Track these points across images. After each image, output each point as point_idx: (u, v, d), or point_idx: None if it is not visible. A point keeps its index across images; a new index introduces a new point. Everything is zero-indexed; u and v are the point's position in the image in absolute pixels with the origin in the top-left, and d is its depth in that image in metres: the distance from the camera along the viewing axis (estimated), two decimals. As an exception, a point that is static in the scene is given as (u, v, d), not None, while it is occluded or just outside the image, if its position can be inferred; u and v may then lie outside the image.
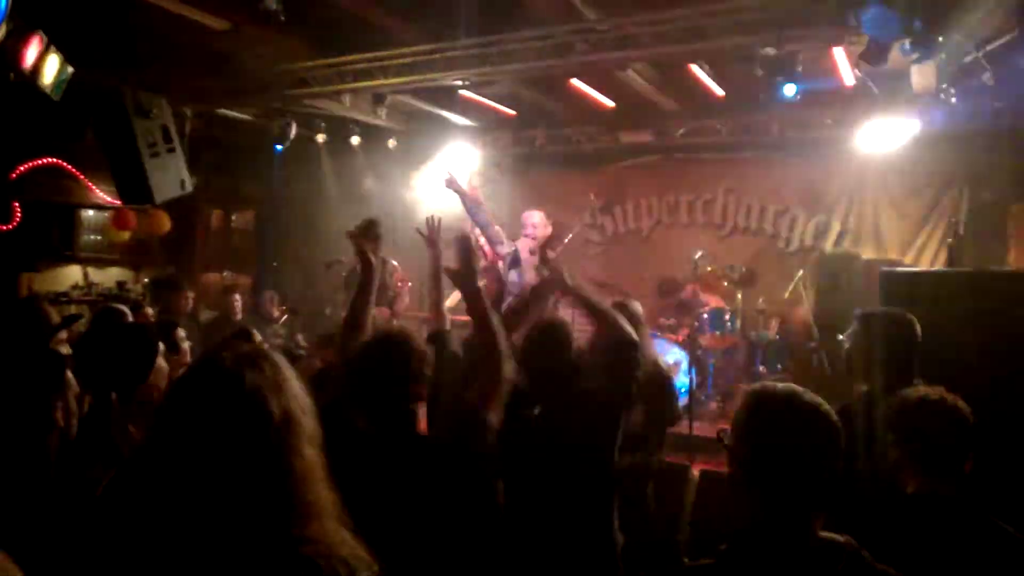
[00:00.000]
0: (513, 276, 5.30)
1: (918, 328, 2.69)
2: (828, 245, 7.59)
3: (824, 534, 1.55)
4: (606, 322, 2.72)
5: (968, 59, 4.38)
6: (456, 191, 5.44)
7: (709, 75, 6.13)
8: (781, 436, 1.51)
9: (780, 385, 1.61)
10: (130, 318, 3.81)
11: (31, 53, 4.25)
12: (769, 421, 1.54)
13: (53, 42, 4.45)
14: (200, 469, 1.13)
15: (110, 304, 4.47)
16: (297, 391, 1.24)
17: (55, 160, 7.31)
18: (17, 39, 4.10)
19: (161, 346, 2.48)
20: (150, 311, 6.61)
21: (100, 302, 8.04)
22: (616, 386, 2.65)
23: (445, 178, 5.48)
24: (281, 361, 1.27)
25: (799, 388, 1.61)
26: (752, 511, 1.55)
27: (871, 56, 4.16)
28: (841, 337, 2.84)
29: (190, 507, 1.12)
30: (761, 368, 6.71)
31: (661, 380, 3.55)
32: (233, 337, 3.28)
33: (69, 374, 1.74)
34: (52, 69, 4.54)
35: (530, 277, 5.10)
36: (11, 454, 1.62)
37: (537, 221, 5.34)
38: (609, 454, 2.64)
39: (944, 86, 4.71)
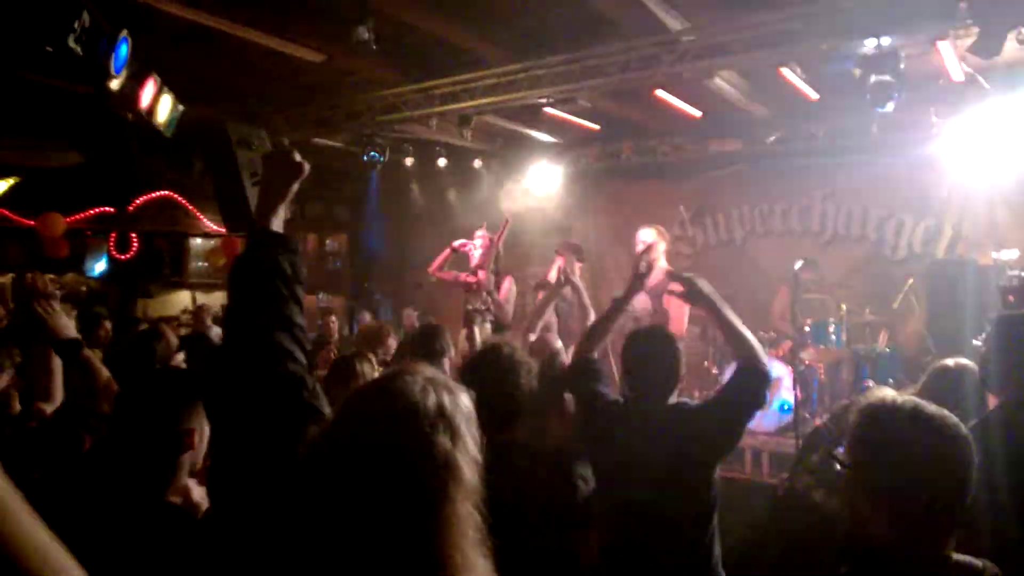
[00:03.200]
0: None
1: None
2: (940, 251, 7.15)
3: (959, 557, 1.44)
4: (741, 344, 2.51)
5: (1093, 45, 4.04)
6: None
7: (801, 78, 5.92)
8: (908, 452, 1.41)
9: (901, 398, 1.51)
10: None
11: (147, 95, 4.57)
12: (893, 436, 1.44)
13: (165, 82, 4.77)
14: (349, 495, 1.03)
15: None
16: (466, 431, 1.11)
17: (168, 192, 7.80)
18: (135, 83, 4.42)
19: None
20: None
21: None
22: (726, 411, 2.49)
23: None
24: (458, 390, 1.15)
25: (921, 400, 1.50)
26: (877, 532, 1.45)
27: (983, 48, 3.89)
28: (977, 342, 2.62)
29: (335, 541, 1.03)
30: (870, 383, 6.34)
31: None
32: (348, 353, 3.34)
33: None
34: (165, 108, 4.86)
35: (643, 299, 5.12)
36: (143, 473, 1.68)
37: (650, 239, 5.34)
38: (707, 477, 2.49)
39: (1066, 75, 4.37)
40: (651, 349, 2.58)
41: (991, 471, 1.94)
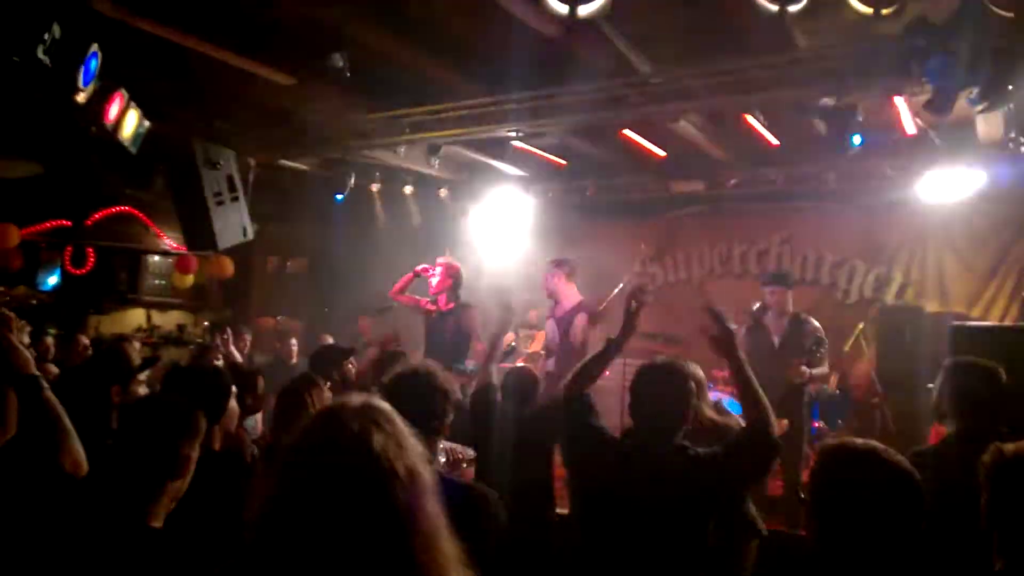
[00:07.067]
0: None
1: (1003, 377, 2.63)
2: (889, 297, 7.38)
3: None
4: (756, 406, 2.40)
5: (1037, 107, 4.27)
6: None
7: (763, 124, 6.10)
8: (862, 494, 1.45)
9: (860, 441, 1.55)
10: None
11: (113, 109, 4.51)
12: (850, 478, 1.48)
13: (132, 98, 4.72)
14: (328, 533, 1.10)
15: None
16: (414, 444, 1.22)
17: (127, 208, 7.64)
18: (102, 97, 4.36)
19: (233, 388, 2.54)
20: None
21: (161, 344, 8.30)
22: (732, 472, 2.38)
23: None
24: (393, 413, 1.25)
25: (879, 445, 1.55)
26: (831, 570, 1.49)
27: (935, 106, 4.08)
28: (931, 386, 2.81)
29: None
30: (820, 424, 6.47)
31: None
32: (296, 381, 3.34)
33: (202, 418, 1.79)
34: (131, 124, 4.81)
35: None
36: (135, 498, 1.66)
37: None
38: (702, 527, 2.40)
39: (1012, 135, 4.59)
40: (660, 385, 2.48)
41: (940, 495, 2.00)
